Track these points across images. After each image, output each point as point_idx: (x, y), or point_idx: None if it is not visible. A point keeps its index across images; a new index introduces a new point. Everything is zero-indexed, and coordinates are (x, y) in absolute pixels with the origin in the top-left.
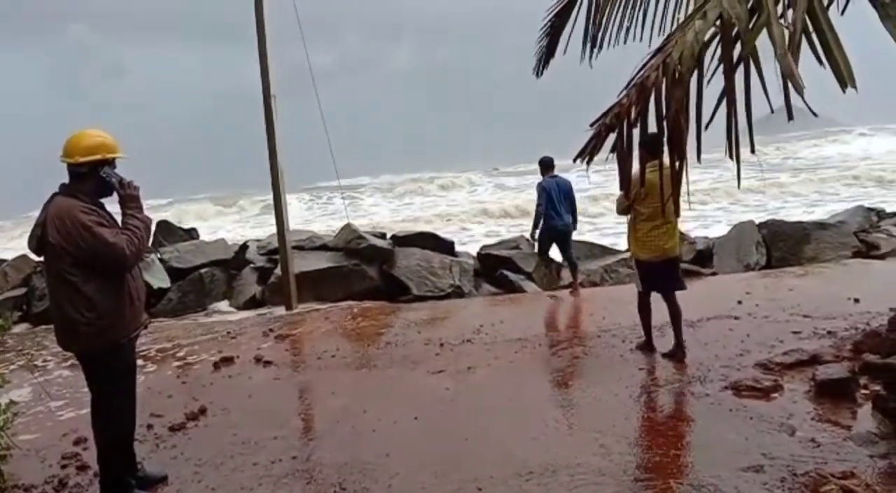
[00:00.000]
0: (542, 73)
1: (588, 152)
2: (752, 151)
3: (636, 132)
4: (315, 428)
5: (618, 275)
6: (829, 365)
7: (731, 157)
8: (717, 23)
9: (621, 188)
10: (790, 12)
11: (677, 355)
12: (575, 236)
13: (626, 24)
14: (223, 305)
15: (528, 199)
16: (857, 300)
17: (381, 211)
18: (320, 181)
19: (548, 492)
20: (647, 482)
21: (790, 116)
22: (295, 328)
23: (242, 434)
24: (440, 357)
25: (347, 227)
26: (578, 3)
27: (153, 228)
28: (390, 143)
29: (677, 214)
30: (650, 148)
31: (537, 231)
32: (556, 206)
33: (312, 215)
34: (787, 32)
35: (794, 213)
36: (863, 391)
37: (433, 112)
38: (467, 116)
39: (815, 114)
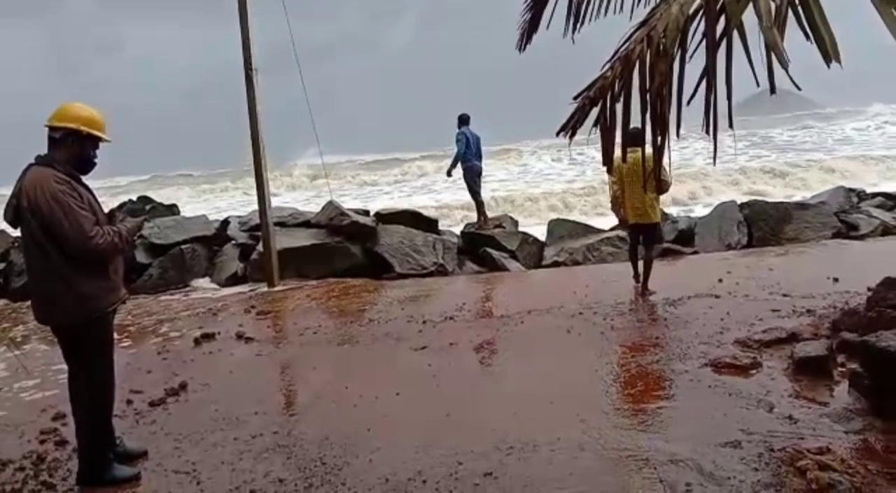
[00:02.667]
0: (524, 48)
1: (571, 126)
2: (731, 126)
3: (619, 107)
4: (296, 403)
5: (600, 253)
6: (807, 343)
7: (707, 132)
8: None
9: (604, 163)
10: None
11: (644, 293)
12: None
13: None
14: (204, 281)
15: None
16: (836, 280)
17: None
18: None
19: (528, 466)
20: (627, 457)
21: (773, 91)
22: (277, 305)
23: (223, 410)
24: (422, 334)
25: (330, 204)
26: None
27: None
28: (387, 120)
29: (660, 190)
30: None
31: (455, 169)
32: (473, 151)
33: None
34: (773, 5)
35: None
36: (840, 369)
37: (432, 90)
38: (466, 94)
39: (798, 88)
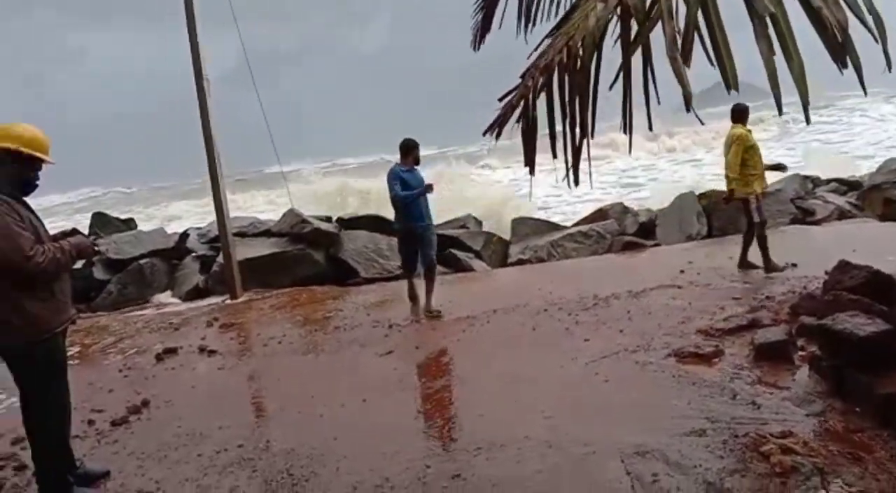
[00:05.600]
0: (479, 48)
1: (495, 129)
2: (650, 128)
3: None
4: (261, 416)
5: (564, 250)
6: (767, 329)
7: (624, 132)
8: (618, 10)
9: (526, 164)
10: (683, 8)
11: None
12: (522, 213)
13: None
14: (165, 296)
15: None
16: (794, 265)
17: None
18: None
19: (496, 466)
20: (594, 452)
21: (687, 108)
22: (240, 317)
23: (186, 426)
24: (389, 339)
25: (291, 212)
26: None
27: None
28: (352, 125)
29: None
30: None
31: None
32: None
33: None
34: (678, 32)
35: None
36: (800, 353)
37: (398, 94)
38: (428, 97)
39: (702, 122)
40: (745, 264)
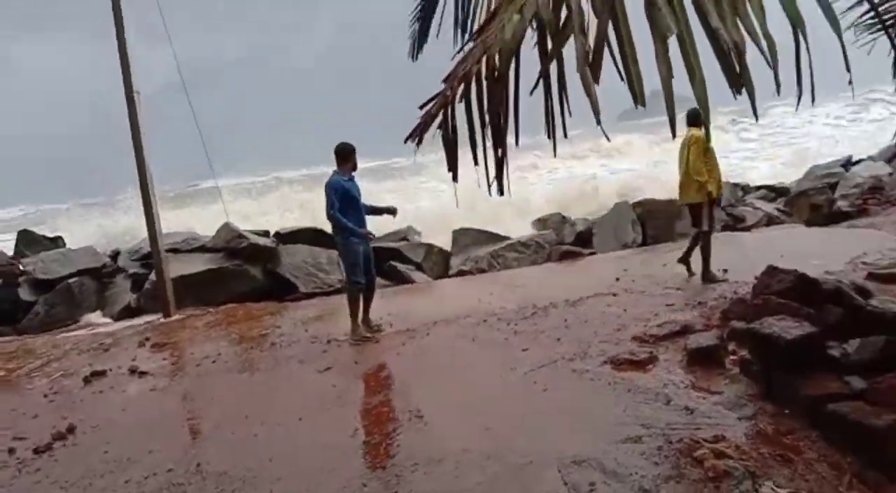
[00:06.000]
0: (417, 57)
1: (416, 136)
2: (565, 136)
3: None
4: (193, 438)
5: (504, 260)
6: (699, 334)
7: (548, 136)
8: (533, 22)
9: (449, 170)
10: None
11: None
12: (464, 223)
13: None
14: (96, 315)
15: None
16: (725, 271)
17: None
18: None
19: (433, 480)
20: (532, 462)
21: (597, 122)
22: (173, 336)
23: (114, 451)
24: (327, 355)
25: (226, 226)
26: None
27: None
28: (293, 136)
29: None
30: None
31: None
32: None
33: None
34: (589, 48)
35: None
36: (731, 357)
37: (342, 103)
38: (370, 107)
39: (608, 139)
40: (708, 277)
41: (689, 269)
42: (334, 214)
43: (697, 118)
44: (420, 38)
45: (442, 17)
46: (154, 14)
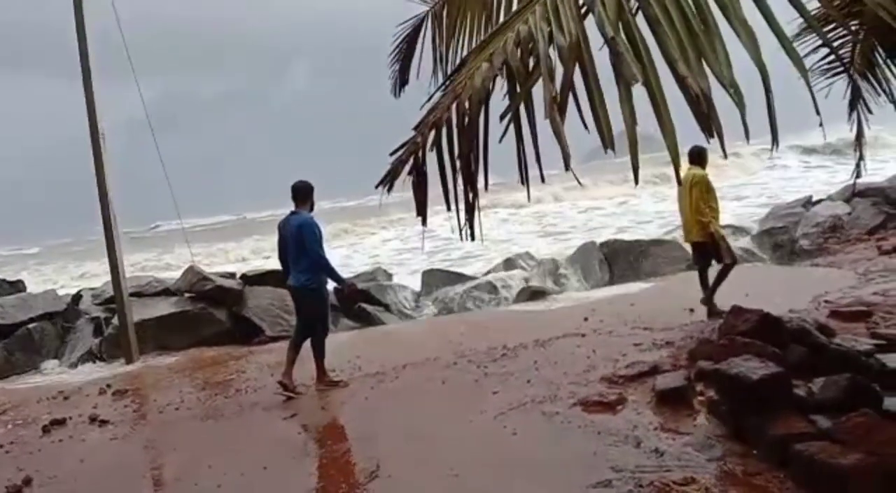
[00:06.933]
0: (399, 95)
1: (386, 182)
2: (542, 180)
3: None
4: (155, 489)
5: (474, 301)
6: (666, 375)
7: (521, 182)
8: (502, 70)
9: (418, 214)
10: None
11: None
12: (431, 264)
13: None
14: (56, 362)
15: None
16: (691, 310)
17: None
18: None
19: None
20: None
21: (567, 167)
22: (135, 382)
23: None
24: (293, 400)
25: (191, 269)
26: (422, 34)
27: None
28: (265, 177)
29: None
30: (693, 158)
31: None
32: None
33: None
34: (555, 94)
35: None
36: (699, 397)
37: (315, 144)
38: (352, 147)
39: (580, 184)
40: (711, 305)
41: (713, 306)
42: (325, 257)
43: (699, 156)
44: (401, 78)
45: (420, 60)
46: (133, 51)
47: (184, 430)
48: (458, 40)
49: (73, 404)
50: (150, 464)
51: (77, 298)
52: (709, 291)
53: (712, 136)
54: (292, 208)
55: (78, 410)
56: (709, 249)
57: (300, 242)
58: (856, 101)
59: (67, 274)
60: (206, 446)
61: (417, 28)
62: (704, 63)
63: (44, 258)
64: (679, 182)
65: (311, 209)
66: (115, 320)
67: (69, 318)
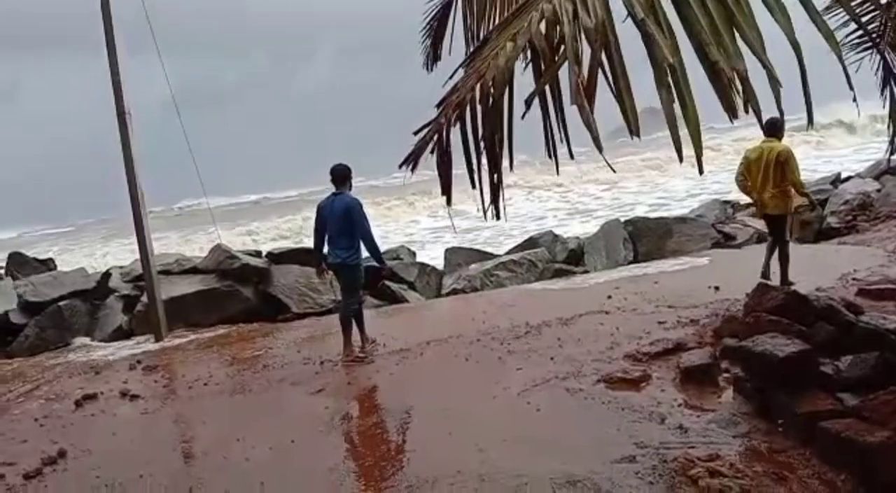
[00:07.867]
0: (432, 69)
1: (410, 162)
2: (571, 157)
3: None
4: (185, 461)
5: (497, 278)
6: (692, 352)
7: (549, 157)
8: (527, 51)
9: (443, 193)
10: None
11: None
12: (455, 243)
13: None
14: (87, 338)
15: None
16: (717, 288)
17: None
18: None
19: None
20: (526, 483)
21: (599, 150)
22: (164, 358)
23: (105, 476)
24: (319, 376)
25: (218, 247)
26: (453, 11)
27: None
28: (292, 158)
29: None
30: (767, 130)
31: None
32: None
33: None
34: (582, 78)
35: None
36: (724, 375)
37: (342, 129)
38: (375, 133)
39: (613, 170)
40: (786, 283)
41: (768, 279)
42: (373, 237)
43: (776, 127)
44: (433, 54)
45: (453, 33)
46: (159, 31)
47: (212, 405)
48: (488, 19)
49: (103, 380)
50: (180, 438)
51: (106, 276)
52: (782, 272)
53: (736, 116)
54: (333, 190)
55: (109, 385)
56: (783, 222)
57: (346, 222)
58: (888, 76)
59: (97, 252)
60: (235, 420)
61: (448, 5)
62: (740, 43)
63: (74, 237)
64: (700, 169)
65: (350, 190)
66: (144, 298)
67: (99, 295)
